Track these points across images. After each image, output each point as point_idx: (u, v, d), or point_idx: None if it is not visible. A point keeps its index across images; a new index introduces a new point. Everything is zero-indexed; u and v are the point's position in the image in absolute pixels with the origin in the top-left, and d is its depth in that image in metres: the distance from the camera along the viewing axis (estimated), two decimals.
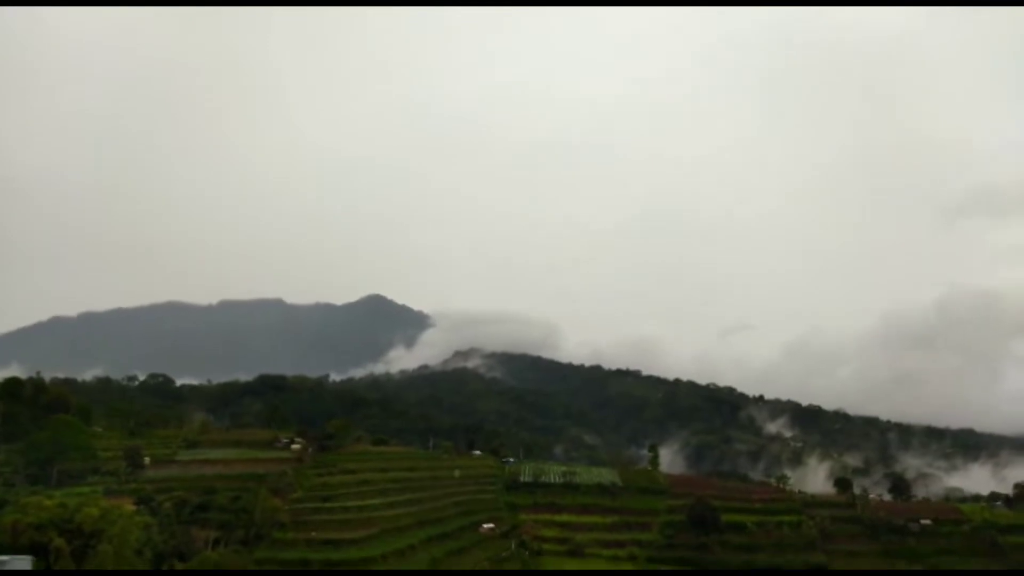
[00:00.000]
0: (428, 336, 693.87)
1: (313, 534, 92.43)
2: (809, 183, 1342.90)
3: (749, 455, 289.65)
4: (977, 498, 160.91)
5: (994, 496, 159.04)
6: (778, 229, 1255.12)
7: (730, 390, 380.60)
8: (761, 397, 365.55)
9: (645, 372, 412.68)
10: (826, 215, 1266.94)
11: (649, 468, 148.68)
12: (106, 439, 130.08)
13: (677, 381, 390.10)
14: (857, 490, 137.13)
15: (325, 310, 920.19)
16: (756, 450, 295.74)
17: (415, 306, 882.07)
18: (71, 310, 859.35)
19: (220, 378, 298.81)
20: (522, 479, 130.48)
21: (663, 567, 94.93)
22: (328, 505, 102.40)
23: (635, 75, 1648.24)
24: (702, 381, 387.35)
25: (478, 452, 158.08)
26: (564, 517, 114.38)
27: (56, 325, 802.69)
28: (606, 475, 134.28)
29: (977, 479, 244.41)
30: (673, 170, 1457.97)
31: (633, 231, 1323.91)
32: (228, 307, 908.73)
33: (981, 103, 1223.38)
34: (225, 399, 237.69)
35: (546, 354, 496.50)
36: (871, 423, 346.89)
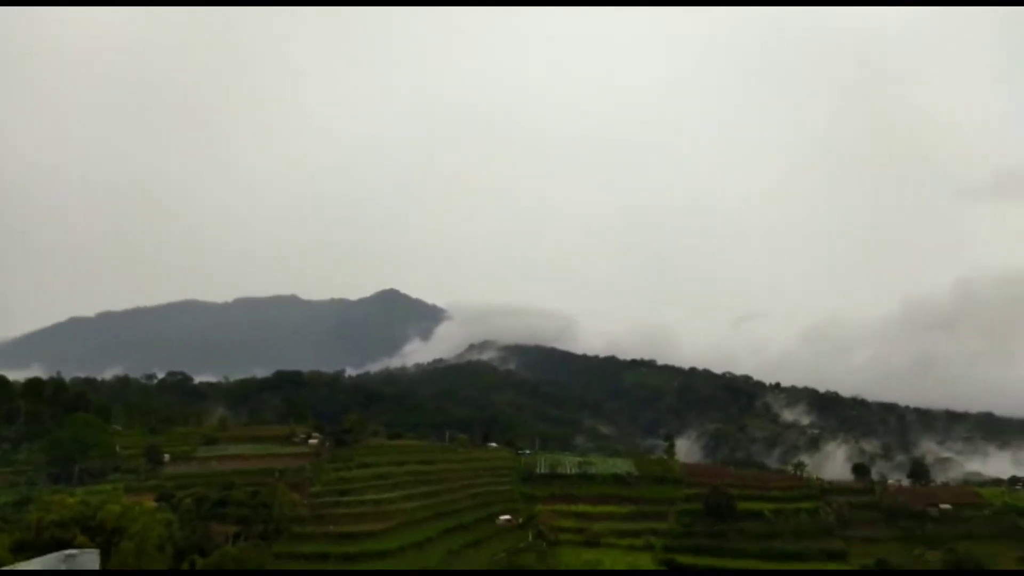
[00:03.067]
0: (443, 330, 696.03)
1: (331, 528, 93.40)
2: (825, 170, 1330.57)
3: (766, 443, 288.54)
4: (997, 482, 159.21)
5: (1014, 480, 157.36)
6: (795, 216, 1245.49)
7: (746, 378, 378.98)
8: (778, 385, 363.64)
9: (660, 362, 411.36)
10: (843, 201, 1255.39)
11: (665, 458, 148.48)
12: (126, 437, 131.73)
13: (693, 370, 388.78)
14: (875, 476, 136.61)
15: (340, 305, 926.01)
16: (773, 438, 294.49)
17: (429, 300, 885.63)
18: (89, 310, 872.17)
19: (238, 375, 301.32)
20: (538, 470, 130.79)
21: (679, 556, 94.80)
22: (346, 499, 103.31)
23: (648, 70, 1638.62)
24: (718, 370, 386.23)
25: (494, 444, 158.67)
26: (580, 507, 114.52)
27: (75, 325, 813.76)
28: (622, 465, 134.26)
29: (997, 463, 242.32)
30: (688, 161, 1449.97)
31: (649, 222, 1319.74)
32: (244, 304, 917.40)
33: (998, 86, 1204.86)
34: (243, 395, 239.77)
35: (561, 346, 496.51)
36: (889, 408, 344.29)
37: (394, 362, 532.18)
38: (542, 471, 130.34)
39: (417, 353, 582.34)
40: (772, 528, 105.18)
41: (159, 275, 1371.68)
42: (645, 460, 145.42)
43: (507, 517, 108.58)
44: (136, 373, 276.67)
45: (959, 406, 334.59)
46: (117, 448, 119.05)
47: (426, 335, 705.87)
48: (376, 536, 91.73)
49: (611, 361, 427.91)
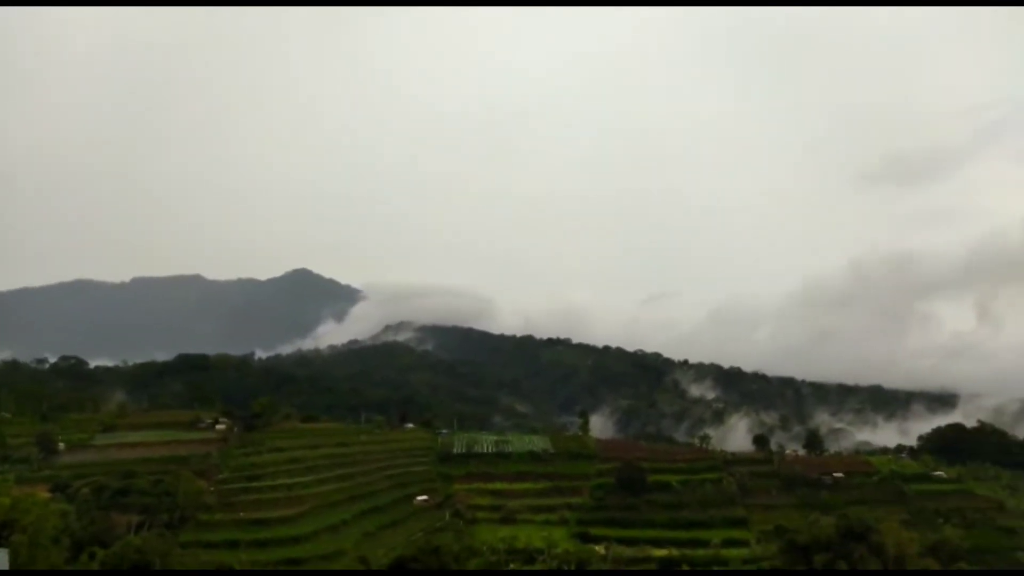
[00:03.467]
0: (358, 310, 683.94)
1: (241, 514, 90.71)
2: (734, 158, 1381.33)
3: (674, 417, 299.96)
4: (885, 451, 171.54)
5: (900, 448, 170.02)
6: (703, 197, 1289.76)
7: (656, 355, 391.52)
8: (686, 361, 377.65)
9: (575, 340, 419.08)
10: (748, 185, 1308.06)
11: (580, 434, 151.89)
12: (15, 425, 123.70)
13: (606, 348, 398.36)
14: (774, 446, 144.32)
15: (248, 285, 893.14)
16: (681, 412, 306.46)
17: (344, 280, 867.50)
18: None
19: (136, 358, 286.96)
20: (455, 450, 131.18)
21: (592, 529, 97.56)
22: (256, 484, 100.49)
23: (578, 49, 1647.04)
24: (630, 348, 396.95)
25: (411, 425, 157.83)
26: (497, 485, 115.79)
27: None
28: (538, 442, 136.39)
29: (885, 433, 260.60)
30: (609, 141, 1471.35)
31: (565, 200, 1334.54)
32: (142, 284, 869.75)
33: (895, 75, 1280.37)
34: (143, 380, 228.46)
35: (478, 325, 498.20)
36: (787, 383, 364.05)
37: (307, 344, 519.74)
38: (459, 451, 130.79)
39: (331, 335, 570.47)
40: (679, 499, 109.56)
41: (48, 254, 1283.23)
42: (561, 437, 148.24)
43: (424, 497, 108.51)
44: (25, 357, 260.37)
45: (851, 380, 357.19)
46: (5, 437, 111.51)
47: (340, 316, 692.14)
48: (289, 521, 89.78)
49: (528, 340, 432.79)
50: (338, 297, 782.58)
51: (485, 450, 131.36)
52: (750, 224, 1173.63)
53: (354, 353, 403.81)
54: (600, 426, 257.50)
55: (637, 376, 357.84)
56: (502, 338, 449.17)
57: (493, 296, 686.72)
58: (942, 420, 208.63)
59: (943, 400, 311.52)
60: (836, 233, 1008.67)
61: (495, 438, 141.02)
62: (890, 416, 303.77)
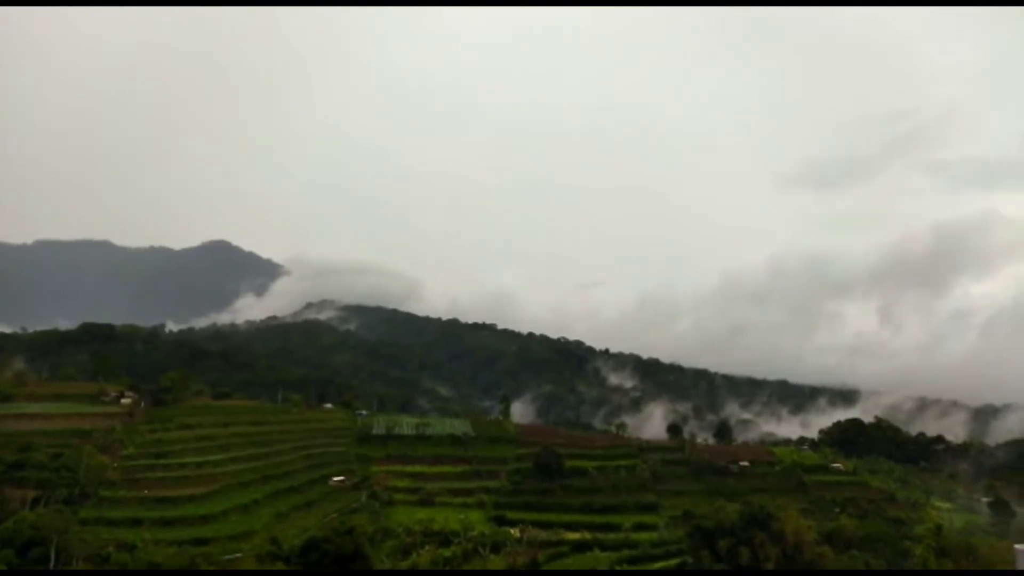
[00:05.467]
0: (279, 286, 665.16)
1: (146, 492, 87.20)
2: (664, 156, 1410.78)
3: (593, 404, 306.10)
4: (788, 442, 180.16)
5: (802, 440, 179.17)
6: (631, 192, 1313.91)
7: (579, 343, 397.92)
8: (607, 350, 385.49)
9: (501, 326, 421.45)
10: (674, 184, 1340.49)
11: (501, 419, 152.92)
12: None
13: (531, 335, 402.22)
14: (686, 435, 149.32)
15: (161, 254, 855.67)
16: (600, 399, 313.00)
17: (264, 254, 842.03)
18: None
19: (37, 325, 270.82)
20: (375, 431, 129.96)
21: (509, 513, 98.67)
22: (163, 462, 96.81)
23: (505, 22, 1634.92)
24: (554, 335, 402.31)
25: (330, 405, 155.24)
26: (416, 468, 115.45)
27: None
28: (459, 426, 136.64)
29: (788, 426, 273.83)
30: (542, 127, 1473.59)
31: (499, 184, 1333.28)
32: (46, 247, 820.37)
33: (816, 82, 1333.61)
34: (43, 348, 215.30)
35: (404, 307, 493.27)
36: (701, 374, 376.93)
37: (223, 318, 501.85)
38: (379, 432, 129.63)
39: (250, 309, 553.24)
40: (594, 484, 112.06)
41: None
42: (482, 421, 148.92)
43: (341, 478, 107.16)
44: None
45: (761, 373, 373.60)
46: None
47: (260, 291, 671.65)
48: (197, 500, 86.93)
49: (453, 324, 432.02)
50: (258, 271, 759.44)
51: (405, 432, 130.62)
52: (678, 219, 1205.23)
53: (273, 330, 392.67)
54: (521, 411, 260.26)
55: (560, 363, 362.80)
56: (427, 320, 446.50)
57: (421, 278, 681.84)
58: (843, 415, 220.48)
59: (845, 396, 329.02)
60: (757, 232, 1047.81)
61: (416, 421, 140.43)
62: (795, 409, 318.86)
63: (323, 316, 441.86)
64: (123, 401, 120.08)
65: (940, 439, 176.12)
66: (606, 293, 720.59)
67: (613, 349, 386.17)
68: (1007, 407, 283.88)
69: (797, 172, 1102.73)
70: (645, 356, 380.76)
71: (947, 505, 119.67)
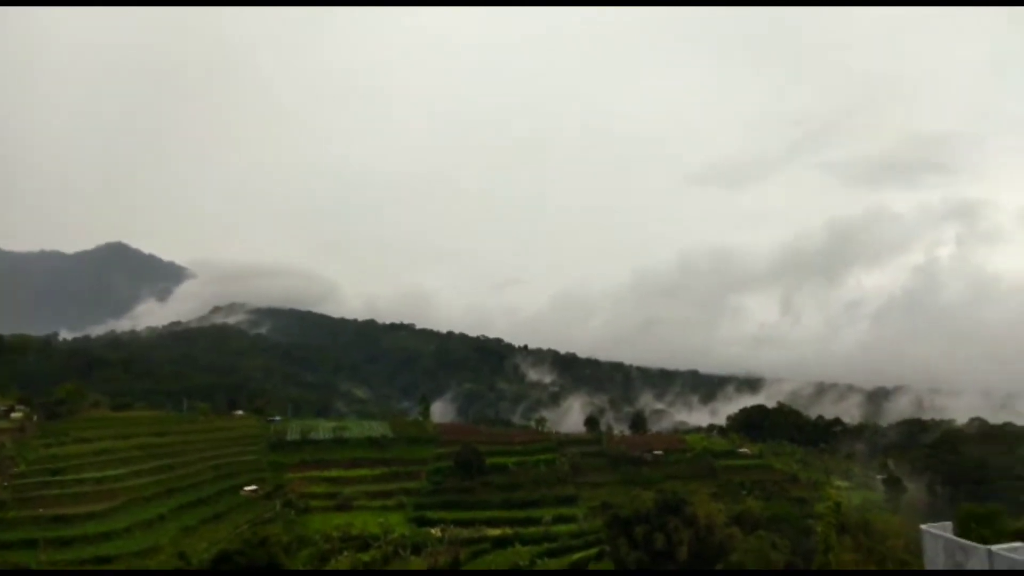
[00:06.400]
0: (184, 290, 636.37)
1: (41, 511, 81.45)
2: (574, 157, 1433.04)
3: (513, 400, 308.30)
4: (699, 429, 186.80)
5: (711, 427, 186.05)
6: (547, 191, 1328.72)
7: (498, 341, 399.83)
8: (526, 347, 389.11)
9: (419, 325, 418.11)
10: (589, 182, 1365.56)
11: (420, 419, 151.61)
12: None
13: (450, 334, 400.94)
14: (603, 427, 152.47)
15: (52, 258, 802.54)
16: (519, 396, 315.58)
17: (166, 256, 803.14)
18: None
19: None
20: (289, 437, 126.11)
21: (429, 513, 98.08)
22: (59, 479, 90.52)
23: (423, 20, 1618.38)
24: (473, 333, 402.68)
25: (240, 412, 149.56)
26: (333, 472, 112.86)
27: None
28: (377, 428, 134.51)
29: (699, 414, 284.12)
30: (457, 127, 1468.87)
31: (415, 185, 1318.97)
32: None
33: (723, 84, 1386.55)
34: None
35: (319, 309, 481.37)
36: (618, 367, 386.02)
37: (122, 324, 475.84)
38: (293, 438, 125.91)
39: (151, 315, 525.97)
40: (515, 479, 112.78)
41: None
42: (401, 422, 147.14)
43: (253, 488, 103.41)
44: None
45: (673, 365, 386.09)
46: None
47: (162, 295, 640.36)
48: (97, 517, 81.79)
49: (370, 325, 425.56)
50: (159, 275, 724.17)
51: (321, 437, 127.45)
52: (593, 217, 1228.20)
53: (177, 335, 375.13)
54: (441, 411, 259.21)
55: (479, 361, 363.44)
56: (343, 322, 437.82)
57: (336, 279, 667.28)
58: (748, 401, 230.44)
59: (750, 383, 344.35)
60: (669, 229, 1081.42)
61: (333, 424, 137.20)
62: (705, 398, 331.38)
63: (232, 320, 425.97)
64: (13, 415, 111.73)
65: (837, 421, 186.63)
66: (524, 291, 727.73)
67: (532, 345, 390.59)
68: (897, 389, 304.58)
69: (706, 171, 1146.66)
70: (563, 351, 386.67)
71: (845, 483, 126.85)
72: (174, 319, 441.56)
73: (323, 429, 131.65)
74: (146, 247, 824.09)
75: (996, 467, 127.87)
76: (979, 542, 14.64)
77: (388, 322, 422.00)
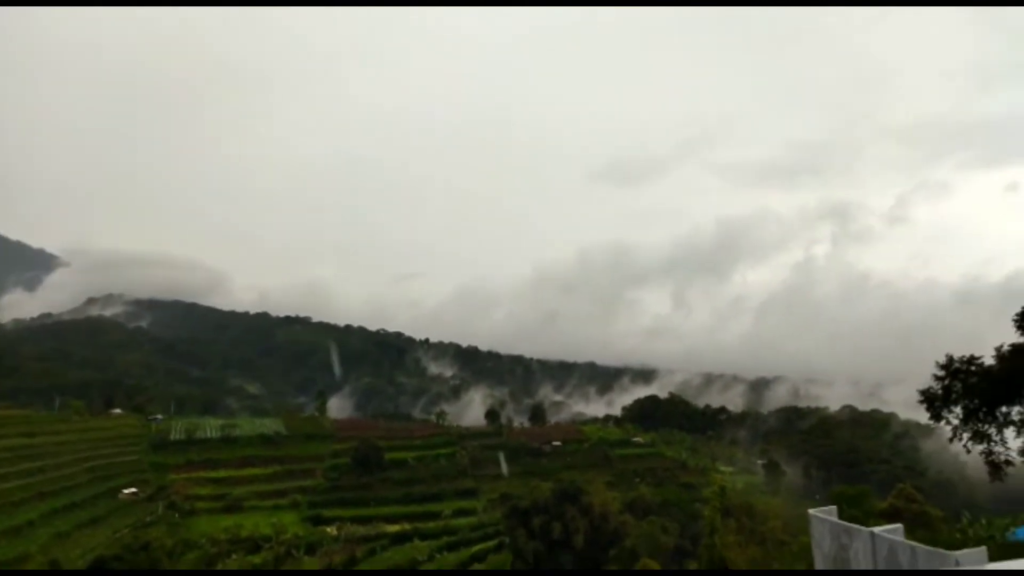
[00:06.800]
0: (55, 279, 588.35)
1: None
2: (478, 151, 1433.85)
3: (413, 395, 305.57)
4: (595, 420, 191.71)
5: (607, 418, 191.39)
6: (450, 183, 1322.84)
7: (399, 334, 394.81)
8: (427, 340, 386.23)
9: (316, 319, 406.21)
10: (491, 177, 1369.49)
11: (316, 415, 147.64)
12: None
13: (348, 327, 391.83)
14: (504, 420, 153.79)
15: None
16: (420, 390, 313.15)
17: (35, 243, 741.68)
18: None
19: None
20: (173, 437, 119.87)
21: (325, 511, 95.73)
22: None
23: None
24: (373, 327, 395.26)
25: (119, 411, 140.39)
26: (221, 472, 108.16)
27: None
28: (269, 425, 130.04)
29: (596, 405, 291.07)
30: (356, 112, 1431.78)
31: (310, 173, 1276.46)
32: None
33: (613, 86, 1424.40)
34: None
35: (206, 301, 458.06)
36: (518, 360, 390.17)
37: None
38: (177, 437, 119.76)
39: (18, 306, 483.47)
40: (414, 474, 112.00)
41: None
42: (296, 419, 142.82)
43: (133, 490, 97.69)
44: None
45: (572, 357, 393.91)
46: None
47: (31, 285, 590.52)
48: None
49: (263, 318, 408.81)
50: (27, 262, 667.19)
51: (209, 435, 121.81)
52: (495, 210, 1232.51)
53: (47, 328, 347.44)
54: (339, 406, 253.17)
55: (379, 355, 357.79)
56: (233, 315, 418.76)
57: (226, 270, 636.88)
58: (642, 392, 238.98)
59: (644, 375, 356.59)
60: (569, 225, 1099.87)
61: (221, 422, 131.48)
62: (602, 389, 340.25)
63: (109, 312, 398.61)
64: None
65: (723, 410, 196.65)
66: (426, 284, 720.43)
67: (433, 339, 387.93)
68: (777, 379, 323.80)
69: (603, 170, 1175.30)
70: (464, 344, 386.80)
71: (729, 469, 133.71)
72: (44, 311, 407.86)
73: (210, 427, 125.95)
74: (12, 232, 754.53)
75: (864, 450, 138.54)
76: (851, 522, 15.59)
77: (282, 315, 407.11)
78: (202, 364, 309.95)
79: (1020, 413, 28.52)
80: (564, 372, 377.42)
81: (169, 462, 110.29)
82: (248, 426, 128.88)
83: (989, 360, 29.00)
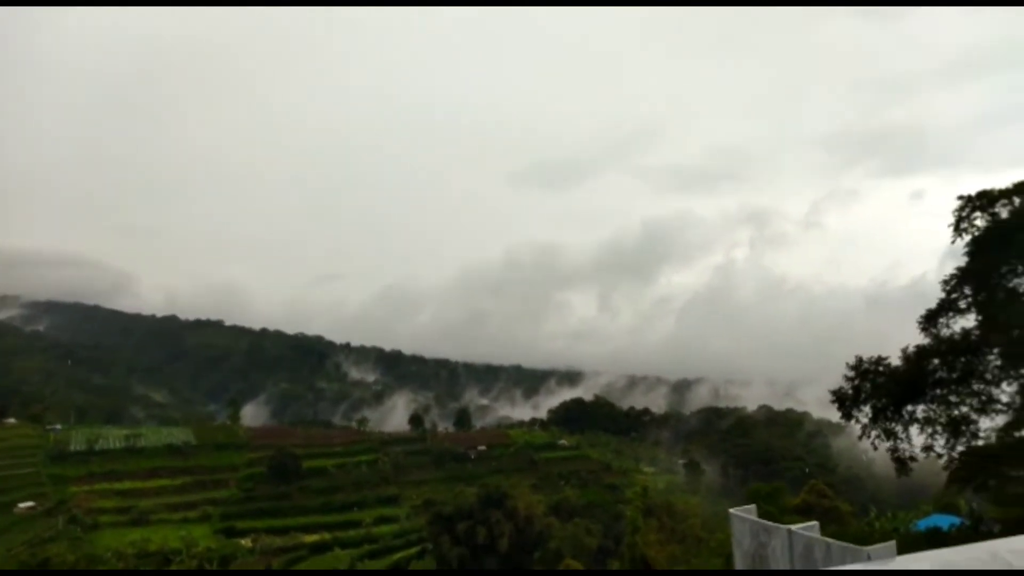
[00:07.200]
0: None
1: None
2: (397, 152, 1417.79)
3: (334, 400, 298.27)
4: (521, 423, 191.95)
5: (533, 421, 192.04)
6: (372, 181, 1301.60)
7: (319, 338, 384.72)
8: (348, 344, 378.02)
9: (229, 322, 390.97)
10: (412, 177, 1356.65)
11: (228, 423, 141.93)
12: None
13: (264, 331, 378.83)
14: (428, 425, 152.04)
15: None
16: (341, 395, 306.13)
17: None
18: None
19: None
20: (73, 447, 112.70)
21: (239, 523, 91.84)
22: None
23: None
24: (291, 330, 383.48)
25: (12, 420, 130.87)
26: (126, 484, 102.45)
27: None
28: (178, 435, 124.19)
29: (522, 409, 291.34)
30: (269, 110, 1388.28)
31: (221, 170, 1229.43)
32: None
33: (536, 87, 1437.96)
34: None
35: (109, 304, 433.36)
36: (443, 363, 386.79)
37: None
38: (78, 448, 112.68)
39: None
40: (335, 482, 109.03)
41: None
42: (207, 427, 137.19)
43: (30, 504, 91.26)
44: None
45: (498, 360, 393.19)
46: None
47: None
48: None
49: (171, 321, 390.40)
50: None
51: (112, 446, 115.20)
52: (416, 212, 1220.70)
53: None
54: (254, 413, 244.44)
55: (297, 360, 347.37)
56: (138, 318, 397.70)
57: (131, 271, 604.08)
58: (568, 395, 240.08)
59: (570, 377, 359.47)
60: (495, 227, 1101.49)
61: (125, 432, 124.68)
62: (528, 392, 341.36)
63: (3, 315, 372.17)
64: None
65: (646, 411, 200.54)
66: (347, 286, 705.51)
67: (355, 343, 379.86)
68: (698, 380, 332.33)
69: (530, 171, 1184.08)
70: (388, 348, 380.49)
71: (652, 469, 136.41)
72: None
73: (113, 438, 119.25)
74: None
75: (779, 449, 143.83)
76: (767, 518, 15.67)
77: (192, 318, 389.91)
78: (105, 370, 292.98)
79: (924, 411, 29.69)
80: (490, 375, 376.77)
81: (69, 474, 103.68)
82: (155, 436, 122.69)
83: (896, 361, 30.08)
